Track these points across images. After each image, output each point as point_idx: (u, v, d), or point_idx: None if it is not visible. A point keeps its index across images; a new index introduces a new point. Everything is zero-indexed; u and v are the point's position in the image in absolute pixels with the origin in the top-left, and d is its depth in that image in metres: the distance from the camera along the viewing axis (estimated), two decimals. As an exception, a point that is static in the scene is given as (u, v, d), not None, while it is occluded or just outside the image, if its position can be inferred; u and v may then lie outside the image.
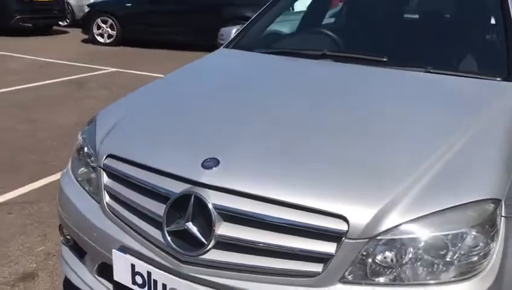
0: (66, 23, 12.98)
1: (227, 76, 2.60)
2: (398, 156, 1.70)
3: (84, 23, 10.78)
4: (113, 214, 1.79)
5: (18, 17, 10.82)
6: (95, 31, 10.54)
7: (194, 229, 1.57)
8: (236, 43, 3.03)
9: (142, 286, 1.68)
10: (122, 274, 1.72)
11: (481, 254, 1.51)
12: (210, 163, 1.64)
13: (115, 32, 10.44)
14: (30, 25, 11.62)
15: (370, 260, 1.49)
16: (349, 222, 1.47)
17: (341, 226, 1.47)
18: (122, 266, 1.71)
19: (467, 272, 1.49)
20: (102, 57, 8.93)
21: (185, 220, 1.58)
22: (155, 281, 1.64)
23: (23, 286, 2.37)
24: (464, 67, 2.44)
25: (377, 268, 1.49)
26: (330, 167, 1.63)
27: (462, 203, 1.53)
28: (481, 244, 1.52)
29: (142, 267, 1.66)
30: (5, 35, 10.86)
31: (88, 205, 1.90)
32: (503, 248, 1.54)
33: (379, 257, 1.49)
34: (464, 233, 1.51)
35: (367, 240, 1.47)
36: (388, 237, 1.48)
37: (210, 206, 1.55)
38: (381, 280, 1.49)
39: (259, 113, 2.01)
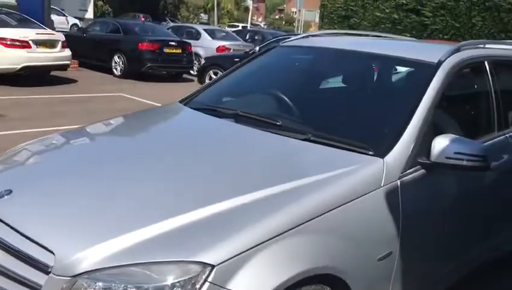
0: (196, 73, 14.43)
1: (128, 128, 2.93)
2: (150, 207, 1.86)
3: (199, 74, 11.95)
4: None
5: (148, 64, 12.42)
6: (207, 80, 11.59)
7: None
8: (190, 99, 3.32)
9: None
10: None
11: None
12: (4, 193, 1.97)
13: (222, 83, 11.37)
14: (163, 72, 13.21)
15: None
16: (56, 258, 1.65)
17: (49, 260, 1.66)
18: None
19: None
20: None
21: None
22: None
23: None
24: (347, 139, 2.39)
25: None
26: (72, 209, 1.86)
27: (163, 260, 1.62)
28: None
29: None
30: (138, 79, 12.52)
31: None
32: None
33: None
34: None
35: (68, 278, 1.63)
36: (89, 280, 1.62)
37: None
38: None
39: (91, 161, 2.31)
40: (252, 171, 2.18)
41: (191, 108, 3.04)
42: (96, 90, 10.58)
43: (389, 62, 3.00)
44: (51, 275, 1.65)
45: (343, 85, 3.17)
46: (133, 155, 2.37)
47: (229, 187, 2.00)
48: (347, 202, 2.03)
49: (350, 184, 2.10)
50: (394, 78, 3.08)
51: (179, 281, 1.59)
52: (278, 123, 2.59)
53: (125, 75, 12.63)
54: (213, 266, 1.62)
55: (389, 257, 2.18)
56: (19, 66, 9.77)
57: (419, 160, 2.34)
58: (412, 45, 3.63)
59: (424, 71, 2.68)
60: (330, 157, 2.31)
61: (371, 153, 2.28)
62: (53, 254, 1.66)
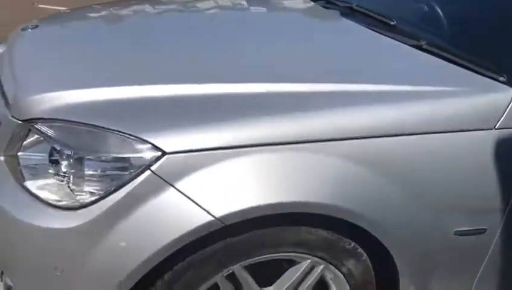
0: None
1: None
2: (136, 70, 1.45)
3: None
4: None
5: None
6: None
7: None
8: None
9: None
10: None
11: (91, 190, 1.21)
12: (31, 26, 1.81)
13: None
14: None
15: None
16: (15, 94, 1.39)
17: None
18: None
19: (66, 199, 1.22)
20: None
21: None
22: None
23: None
24: (471, 55, 1.60)
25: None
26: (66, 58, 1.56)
27: (111, 127, 1.22)
28: (101, 180, 1.21)
29: None
30: None
31: None
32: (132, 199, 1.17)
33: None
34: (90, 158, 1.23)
35: (20, 122, 1.35)
36: (40, 132, 1.31)
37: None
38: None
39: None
40: (315, 62, 1.58)
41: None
42: None
43: None
44: (8, 114, 1.39)
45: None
46: (195, 26, 1.96)
47: (264, 72, 1.47)
48: (426, 133, 1.33)
49: (443, 109, 1.37)
50: None
51: (123, 157, 1.19)
52: (392, 23, 1.89)
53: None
54: (163, 153, 1.16)
55: (478, 235, 1.43)
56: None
57: None
58: None
59: None
60: (437, 70, 1.57)
61: (501, 78, 1.47)
62: None
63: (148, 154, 1.16)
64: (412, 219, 1.34)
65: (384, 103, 1.35)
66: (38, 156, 1.34)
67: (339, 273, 1.37)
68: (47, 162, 1.31)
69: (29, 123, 1.32)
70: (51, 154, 1.31)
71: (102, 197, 1.17)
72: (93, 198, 1.18)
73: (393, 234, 1.32)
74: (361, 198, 1.27)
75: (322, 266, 1.35)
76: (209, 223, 1.15)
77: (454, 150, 1.37)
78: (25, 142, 1.36)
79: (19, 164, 1.35)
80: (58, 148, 1.26)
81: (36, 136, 1.33)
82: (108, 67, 1.48)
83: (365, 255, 1.37)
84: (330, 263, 1.34)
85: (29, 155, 1.36)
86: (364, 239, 1.34)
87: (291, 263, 1.36)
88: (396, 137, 1.32)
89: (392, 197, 1.31)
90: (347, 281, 1.38)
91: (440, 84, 1.46)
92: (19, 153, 1.37)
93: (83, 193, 1.20)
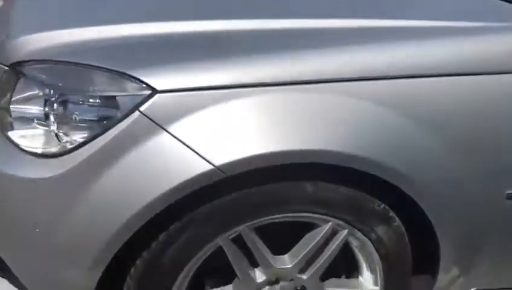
0: None
1: None
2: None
3: None
4: None
5: None
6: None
7: None
8: None
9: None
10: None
11: (77, 133, 1.06)
12: None
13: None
14: None
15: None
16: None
17: None
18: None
19: (50, 146, 1.08)
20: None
21: None
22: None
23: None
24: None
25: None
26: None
27: (98, 64, 1.06)
28: (86, 123, 1.06)
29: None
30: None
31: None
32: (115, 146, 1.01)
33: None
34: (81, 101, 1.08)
35: (6, 67, 1.21)
36: (28, 78, 1.17)
37: None
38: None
39: None
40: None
41: None
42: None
43: None
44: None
45: None
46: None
47: (277, 8, 1.28)
48: (475, 74, 1.11)
49: (497, 46, 1.14)
50: None
51: (109, 97, 1.04)
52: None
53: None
54: (154, 91, 0.99)
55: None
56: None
57: None
58: None
59: None
60: (487, 5, 1.33)
61: None
62: None
63: (137, 93, 1.00)
64: (455, 178, 1.13)
65: (425, 39, 1.14)
66: (31, 109, 1.20)
67: (366, 240, 1.16)
68: (41, 114, 1.18)
69: (15, 68, 1.19)
70: (44, 107, 1.18)
71: (87, 141, 1.02)
72: (78, 143, 1.03)
73: (430, 194, 1.11)
74: (391, 149, 1.07)
75: (345, 231, 1.15)
76: (208, 173, 0.98)
77: (507, 95, 1.14)
78: (18, 96, 1.23)
79: (10, 116, 1.23)
80: (45, 92, 1.13)
81: (32, 91, 1.20)
82: (99, 8, 1.33)
83: (398, 220, 1.17)
84: (355, 227, 1.15)
85: (21, 107, 1.23)
86: (397, 201, 1.14)
87: (310, 227, 1.17)
88: (438, 78, 1.10)
89: (430, 150, 1.09)
90: (376, 250, 1.18)
91: (491, 19, 1.23)
92: (11, 106, 1.24)
93: (68, 138, 1.06)
